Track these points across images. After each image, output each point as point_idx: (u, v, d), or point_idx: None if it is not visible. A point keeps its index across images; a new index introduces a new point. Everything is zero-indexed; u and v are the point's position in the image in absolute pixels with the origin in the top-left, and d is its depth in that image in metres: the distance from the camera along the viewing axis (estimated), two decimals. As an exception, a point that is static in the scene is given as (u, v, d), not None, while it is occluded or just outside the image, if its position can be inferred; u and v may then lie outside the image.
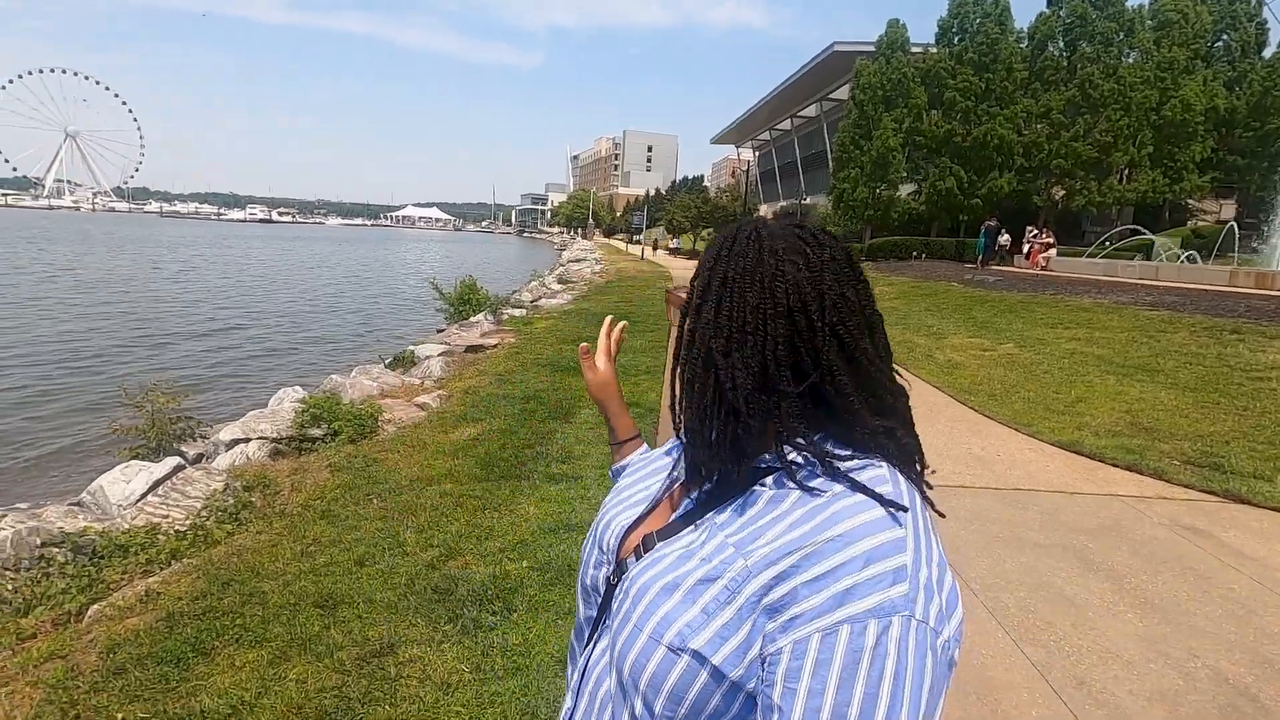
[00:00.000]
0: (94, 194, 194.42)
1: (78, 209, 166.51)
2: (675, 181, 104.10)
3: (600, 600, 0.77)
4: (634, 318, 12.06)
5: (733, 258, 0.69)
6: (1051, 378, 7.53)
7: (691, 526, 0.70)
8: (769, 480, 0.67)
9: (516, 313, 12.96)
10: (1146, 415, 6.04)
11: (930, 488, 0.69)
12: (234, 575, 3.02)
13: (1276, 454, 5.06)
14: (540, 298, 16.44)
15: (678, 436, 0.75)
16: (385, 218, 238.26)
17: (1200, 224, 25.09)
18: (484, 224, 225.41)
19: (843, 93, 34.88)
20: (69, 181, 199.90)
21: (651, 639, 0.62)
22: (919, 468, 0.69)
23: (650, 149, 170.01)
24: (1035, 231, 20.97)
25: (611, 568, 0.77)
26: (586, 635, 0.80)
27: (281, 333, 15.24)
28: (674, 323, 0.78)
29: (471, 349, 9.11)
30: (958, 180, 24.81)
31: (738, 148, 67.70)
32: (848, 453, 0.66)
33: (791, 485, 0.65)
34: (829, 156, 33.47)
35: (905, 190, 27.42)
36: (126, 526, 3.80)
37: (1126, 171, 24.54)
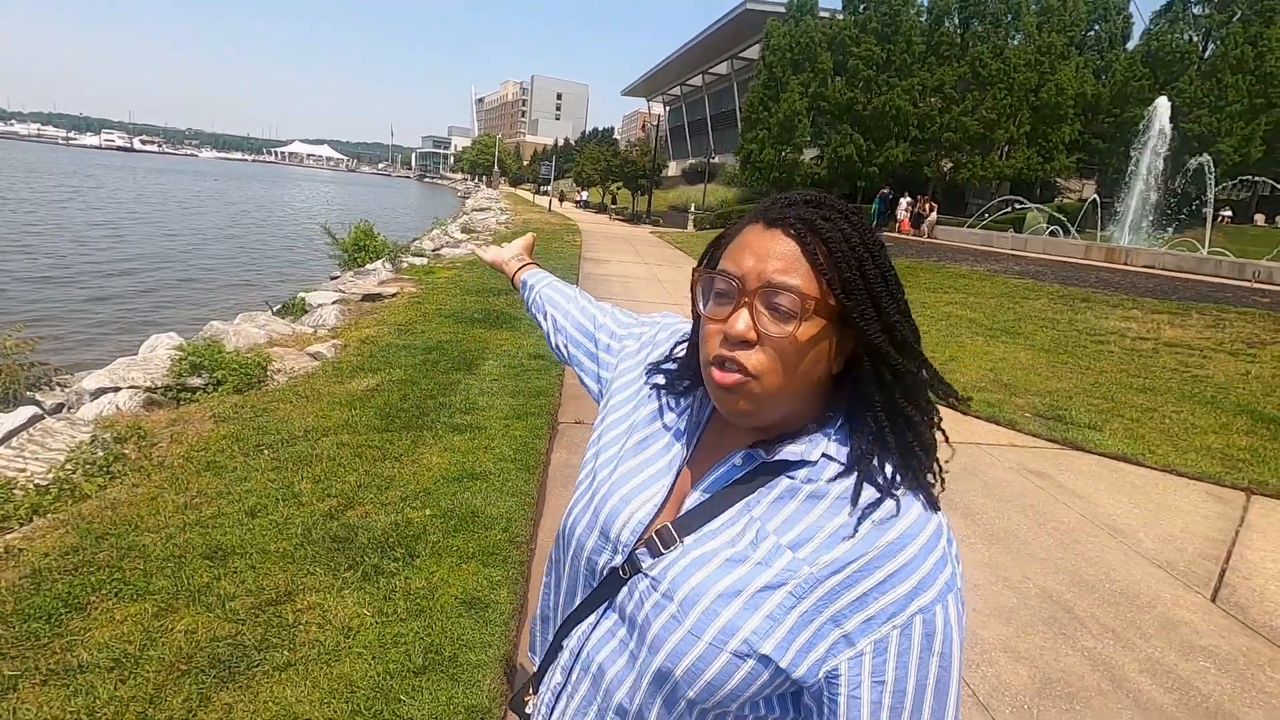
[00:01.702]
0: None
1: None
2: (585, 132, 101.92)
3: (598, 584, 0.77)
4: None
5: (870, 250, 0.67)
6: (930, 339, 8.14)
7: (722, 521, 0.70)
8: (799, 474, 0.68)
9: (417, 261, 12.47)
10: (1007, 373, 6.71)
11: None
12: (109, 529, 2.84)
13: (1108, 408, 5.78)
14: (442, 246, 15.85)
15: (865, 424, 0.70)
16: (269, 153, 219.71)
17: (1065, 201, 27.47)
18: (380, 166, 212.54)
19: (753, 52, 35.13)
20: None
21: (713, 646, 0.64)
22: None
23: (560, 97, 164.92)
24: (910, 201, 22.31)
25: (622, 559, 0.74)
26: (573, 611, 0.80)
27: (151, 276, 13.93)
28: (778, 333, 0.66)
29: (368, 298, 8.72)
30: (857, 148, 25.81)
31: (649, 101, 67.01)
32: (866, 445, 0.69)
33: (823, 482, 0.67)
34: (738, 116, 33.77)
35: (809, 154, 28.23)
36: (-25, 481, 3.46)
37: (1006, 148, 26.37)
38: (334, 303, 8.12)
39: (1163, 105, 19.57)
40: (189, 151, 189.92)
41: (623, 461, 0.80)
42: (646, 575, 0.71)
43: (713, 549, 0.68)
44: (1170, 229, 19.49)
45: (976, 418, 5.44)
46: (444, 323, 7.05)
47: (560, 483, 3.68)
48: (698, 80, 49.84)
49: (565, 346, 1.07)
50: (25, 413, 4.20)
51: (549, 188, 42.52)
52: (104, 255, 15.57)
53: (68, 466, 3.61)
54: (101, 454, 3.72)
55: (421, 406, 4.52)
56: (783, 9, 28.41)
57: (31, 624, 2.23)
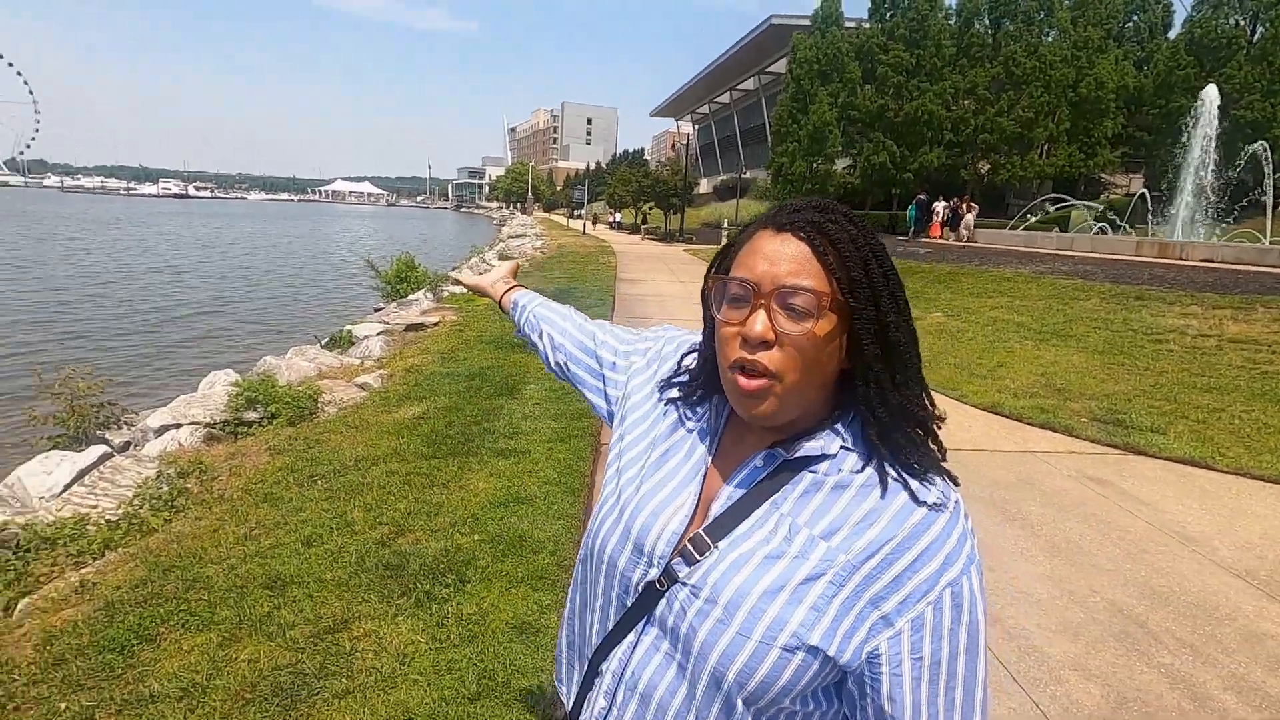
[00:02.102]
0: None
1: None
2: (616, 155, 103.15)
3: (633, 600, 0.76)
4: (579, 293, 12.05)
5: (872, 250, 0.70)
6: (976, 344, 7.95)
7: (752, 521, 0.71)
8: (820, 468, 0.71)
9: (458, 290, 12.73)
10: (1059, 377, 6.48)
11: None
12: (175, 562, 2.95)
13: (1171, 409, 5.53)
14: (481, 274, 16.14)
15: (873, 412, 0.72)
16: (313, 193, 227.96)
17: (1112, 197, 26.59)
18: (419, 199, 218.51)
19: (780, 66, 35.18)
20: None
21: (763, 643, 0.65)
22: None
23: (590, 121, 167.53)
24: (946, 204, 21.81)
25: (658, 571, 0.74)
26: (608, 633, 0.79)
27: (208, 315, 14.54)
28: (793, 331, 0.68)
29: (412, 328, 8.94)
30: (890, 155, 25.50)
31: (677, 121, 67.56)
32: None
33: (846, 472, 0.70)
34: (768, 130, 33.79)
35: (841, 164, 28.00)
36: (52, 519, 3.64)
37: (1046, 146, 25.73)
38: (379, 334, 8.34)
39: (1211, 93, 18.85)
40: (239, 195, 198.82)
41: (647, 477, 0.81)
42: (685, 584, 0.71)
43: (749, 549, 0.70)
44: (1228, 220, 18.68)
45: (1029, 424, 5.27)
46: (485, 349, 7.17)
47: (605, 504, 3.68)
48: (726, 97, 50.07)
49: (566, 365, 1.07)
50: (96, 451, 4.41)
51: (583, 211, 43.05)
52: (164, 299, 16.32)
53: (135, 502, 3.77)
54: (166, 489, 3.88)
55: (467, 433, 4.60)
56: (808, 21, 28.41)
57: (106, 655, 2.33)
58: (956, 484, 0.72)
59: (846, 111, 26.25)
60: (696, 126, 60.28)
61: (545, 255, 21.08)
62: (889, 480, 0.69)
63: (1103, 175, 27.87)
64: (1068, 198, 22.47)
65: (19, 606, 2.73)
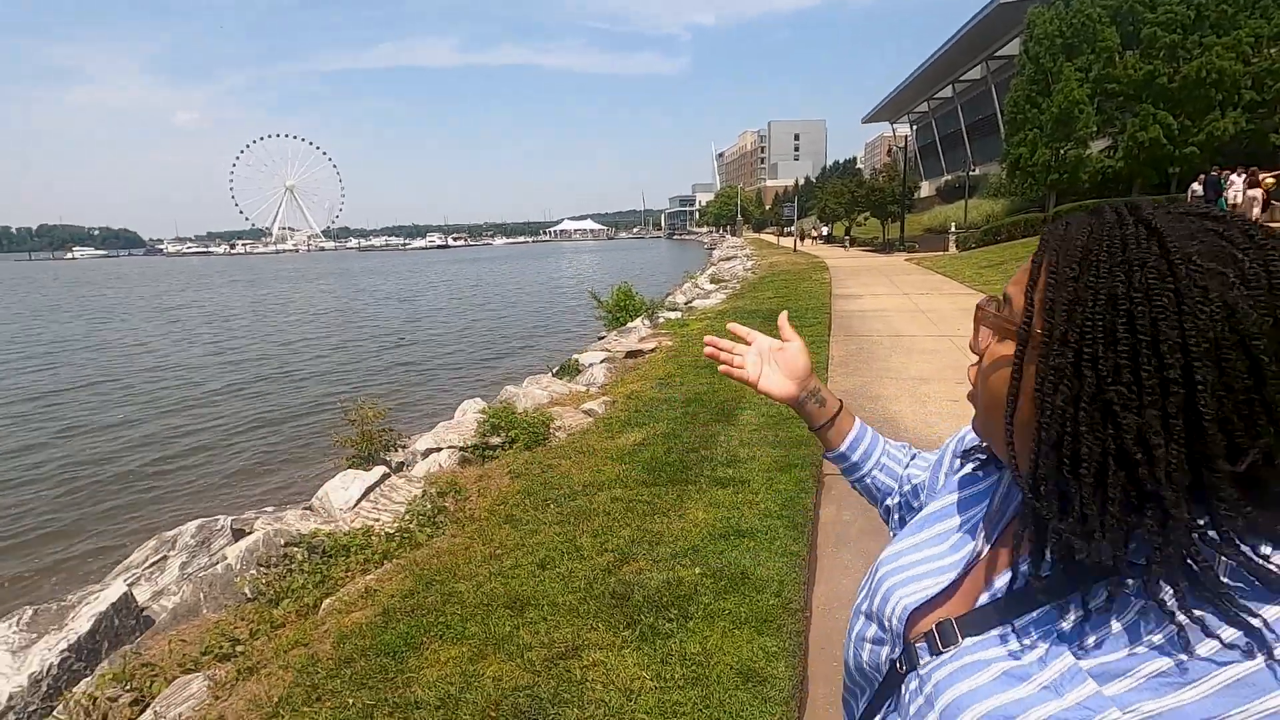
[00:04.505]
0: (308, 237, 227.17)
1: (296, 251, 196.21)
2: (826, 167, 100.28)
3: (881, 680, 0.67)
4: (792, 309, 11.73)
5: (1119, 265, 0.49)
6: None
7: (1012, 626, 0.55)
8: (1129, 581, 0.49)
9: (672, 315, 13.12)
10: None
11: None
12: (435, 575, 3.31)
13: None
14: (694, 299, 16.52)
15: (1031, 498, 0.53)
16: (544, 233, 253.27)
17: None
18: (635, 230, 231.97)
19: (1012, 48, 31.62)
20: (289, 228, 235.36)
21: None
22: None
23: (797, 137, 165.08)
24: (1245, 178, 17.46)
25: (898, 650, 0.64)
26: (861, 714, 0.71)
27: (463, 347, 16.71)
28: (983, 347, 0.61)
29: (631, 354, 9.35)
30: (1164, 128, 21.43)
31: (892, 124, 63.77)
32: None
33: (1168, 597, 0.46)
34: (999, 120, 30.42)
35: (1097, 146, 24.18)
36: (347, 529, 4.32)
37: None
38: (602, 362, 8.84)
39: None
40: (485, 241, 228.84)
41: (911, 549, 0.71)
42: (918, 674, 0.60)
43: (990, 656, 0.55)
44: None
45: None
46: (700, 374, 7.23)
47: (832, 542, 3.43)
48: (947, 91, 46.17)
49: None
50: (378, 471, 5.17)
51: (792, 228, 42.35)
52: (431, 334, 19.09)
53: (406, 517, 4.32)
54: (429, 507, 4.40)
55: (684, 460, 4.61)
56: (1045, -7, 25.22)
57: (382, 659, 2.65)
58: None
59: (1101, 85, 22.66)
60: (914, 127, 56.35)
61: (758, 276, 20.96)
62: (1199, 626, 0.45)
63: None
64: None
65: (323, 606, 3.25)
